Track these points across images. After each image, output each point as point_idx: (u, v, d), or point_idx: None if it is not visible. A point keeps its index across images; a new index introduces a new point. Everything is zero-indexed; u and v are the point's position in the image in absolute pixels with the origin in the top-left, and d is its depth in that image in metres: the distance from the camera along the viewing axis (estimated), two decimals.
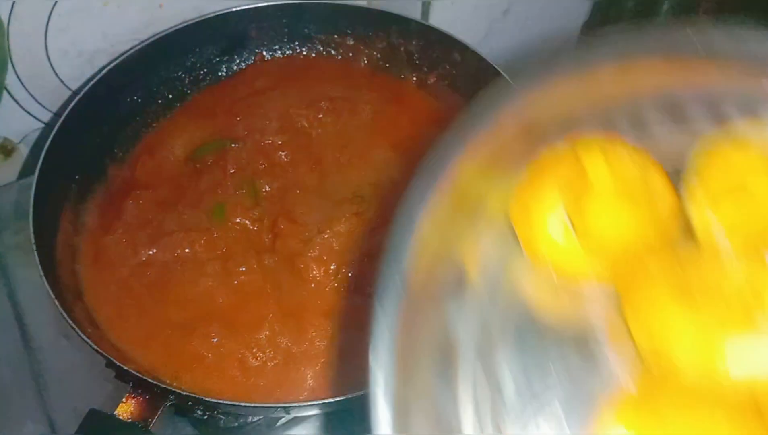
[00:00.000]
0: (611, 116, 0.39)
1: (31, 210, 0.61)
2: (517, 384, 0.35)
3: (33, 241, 0.59)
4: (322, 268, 0.65)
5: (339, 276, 0.64)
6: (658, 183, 0.37)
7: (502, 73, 0.72)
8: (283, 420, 0.65)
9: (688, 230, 0.37)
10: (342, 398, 0.53)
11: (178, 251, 0.65)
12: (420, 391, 0.32)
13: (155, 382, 0.52)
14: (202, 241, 0.66)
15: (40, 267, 0.58)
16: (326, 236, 0.66)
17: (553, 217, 0.37)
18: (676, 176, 0.38)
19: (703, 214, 0.36)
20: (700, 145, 0.37)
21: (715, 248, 0.35)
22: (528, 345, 0.36)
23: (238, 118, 0.75)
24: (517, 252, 0.38)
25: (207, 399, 0.51)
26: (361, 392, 0.53)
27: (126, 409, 0.52)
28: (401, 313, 0.31)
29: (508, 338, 0.36)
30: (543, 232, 0.37)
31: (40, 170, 0.63)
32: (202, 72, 0.79)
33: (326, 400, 0.53)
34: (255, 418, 0.62)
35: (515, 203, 0.38)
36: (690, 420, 0.32)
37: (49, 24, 0.71)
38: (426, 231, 0.33)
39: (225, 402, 0.52)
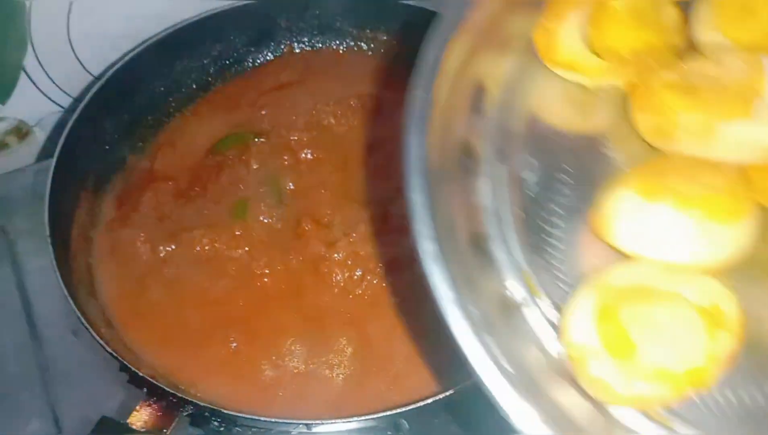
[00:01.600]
0: None
1: (47, 195, 0.59)
2: (529, 176, 0.41)
3: (47, 228, 0.57)
4: (347, 274, 0.62)
5: (364, 283, 0.62)
6: (668, 4, 0.43)
7: None
8: (294, 433, 0.62)
9: (692, 46, 0.43)
10: (369, 417, 0.50)
11: (198, 248, 0.63)
12: (448, 179, 0.37)
13: (172, 391, 0.49)
14: (224, 239, 0.63)
15: (53, 257, 0.56)
16: (352, 240, 0.63)
17: (572, 30, 0.43)
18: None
19: (709, 31, 0.42)
20: None
21: (717, 56, 0.41)
22: (543, 146, 0.42)
23: (263, 112, 0.73)
24: (534, 68, 0.44)
25: (227, 411, 0.49)
26: (389, 412, 0.50)
27: (139, 418, 0.49)
28: (429, 123, 0.36)
29: (525, 141, 0.42)
30: (562, 41, 0.43)
31: (59, 155, 0.61)
32: (228, 62, 0.77)
33: (351, 419, 0.50)
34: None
35: (539, 24, 0.43)
36: (688, 175, 0.38)
37: (73, 6, 0.68)
38: (452, 56, 0.37)
39: (245, 416, 0.49)
